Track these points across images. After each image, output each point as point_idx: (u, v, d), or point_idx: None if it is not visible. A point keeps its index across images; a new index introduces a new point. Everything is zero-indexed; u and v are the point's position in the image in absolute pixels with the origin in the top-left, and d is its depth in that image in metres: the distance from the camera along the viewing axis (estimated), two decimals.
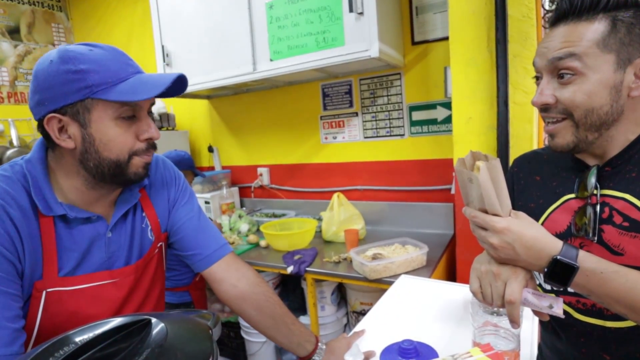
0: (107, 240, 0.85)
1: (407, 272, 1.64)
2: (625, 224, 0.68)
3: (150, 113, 0.83)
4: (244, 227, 2.32)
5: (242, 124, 2.76)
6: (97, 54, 0.74)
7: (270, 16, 2.00)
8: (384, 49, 1.84)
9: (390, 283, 1.49)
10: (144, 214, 0.92)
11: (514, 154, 1.57)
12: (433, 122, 2.11)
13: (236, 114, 2.77)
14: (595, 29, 0.66)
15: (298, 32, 1.94)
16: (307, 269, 1.82)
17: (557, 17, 0.70)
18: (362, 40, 1.79)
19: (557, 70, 0.68)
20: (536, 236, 0.64)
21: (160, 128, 2.74)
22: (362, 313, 1.95)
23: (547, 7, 1.96)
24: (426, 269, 1.68)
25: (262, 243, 2.16)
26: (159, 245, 0.96)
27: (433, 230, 2.14)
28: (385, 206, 2.30)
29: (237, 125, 2.79)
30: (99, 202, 0.84)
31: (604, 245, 0.71)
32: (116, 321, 0.51)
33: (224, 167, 2.88)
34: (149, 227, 0.93)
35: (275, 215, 2.54)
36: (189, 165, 1.97)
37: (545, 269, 0.63)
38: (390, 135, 2.24)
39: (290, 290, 2.17)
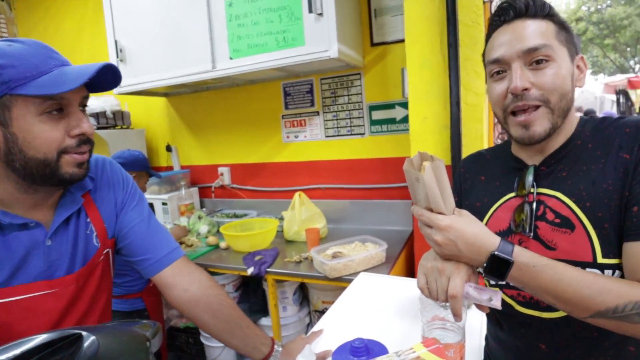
0: (47, 249, 0.80)
1: (367, 270, 1.68)
2: (557, 220, 0.73)
3: (83, 107, 0.78)
4: (203, 228, 2.28)
5: (202, 122, 2.71)
6: (15, 48, 0.70)
7: (229, 14, 1.98)
8: (344, 50, 1.86)
9: (351, 281, 1.51)
10: (88, 220, 0.88)
11: (466, 151, 1.64)
12: (392, 121, 2.17)
13: (196, 112, 2.71)
14: (550, 26, 0.73)
15: (258, 30, 1.93)
16: (268, 269, 1.81)
17: (514, 15, 0.74)
18: (321, 40, 1.80)
19: (532, 58, 0.71)
20: (476, 233, 0.68)
21: (114, 127, 2.63)
22: (324, 312, 1.97)
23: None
24: (385, 266, 1.72)
25: (222, 244, 2.13)
26: (105, 251, 0.91)
27: (393, 227, 2.20)
28: (347, 204, 2.34)
29: (197, 123, 2.73)
30: (37, 208, 0.79)
31: (539, 240, 0.75)
32: (41, 338, 0.47)
33: (183, 167, 2.81)
34: (94, 233, 0.88)
35: (236, 216, 2.52)
36: (143, 166, 1.90)
37: (485, 264, 0.67)
38: (351, 134, 2.28)
39: (252, 292, 2.15)
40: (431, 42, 1.66)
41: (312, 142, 2.39)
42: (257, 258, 1.91)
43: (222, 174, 2.67)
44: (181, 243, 2.11)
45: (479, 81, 1.59)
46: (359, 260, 1.66)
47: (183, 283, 0.93)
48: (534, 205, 0.76)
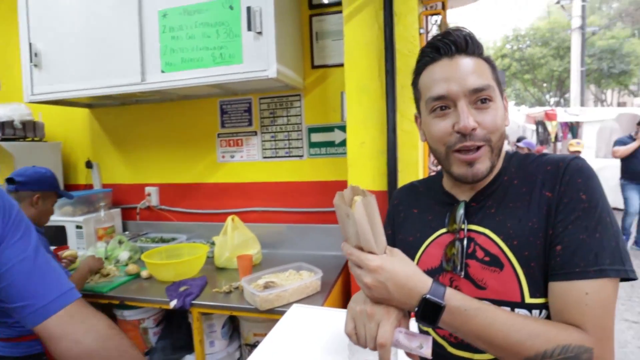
0: None
1: (301, 299, 1.60)
2: (486, 258, 0.72)
3: None
4: (123, 255, 2.06)
5: (129, 137, 2.50)
6: None
7: (163, 25, 1.85)
8: (283, 70, 1.81)
9: (283, 313, 1.43)
10: None
11: (402, 177, 1.64)
12: (331, 144, 2.14)
13: (122, 126, 2.50)
14: (487, 66, 0.74)
15: (193, 45, 1.82)
16: (194, 301, 1.66)
17: (456, 50, 0.73)
18: (260, 59, 1.74)
19: (476, 97, 0.71)
20: (408, 274, 0.64)
21: (23, 138, 2.34)
22: (256, 345, 1.84)
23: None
24: (320, 295, 1.65)
25: (144, 273, 1.93)
26: None
27: (330, 252, 2.14)
28: (283, 228, 2.25)
29: (123, 139, 2.52)
30: None
31: (469, 279, 0.74)
32: None
33: (104, 186, 2.56)
34: None
35: (163, 240, 2.32)
36: (50, 185, 1.66)
37: (416, 308, 0.63)
38: (289, 156, 2.22)
39: (176, 327, 1.97)
40: (370, 68, 1.66)
41: (249, 162, 2.29)
42: (182, 289, 1.74)
43: (149, 194, 2.46)
44: (95, 273, 1.88)
45: (414, 109, 1.60)
46: (293, 290, 1.58)
47: (75, 333, 0.76)
48: (465, 242, 0.74)
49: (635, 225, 5.02)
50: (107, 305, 1.83)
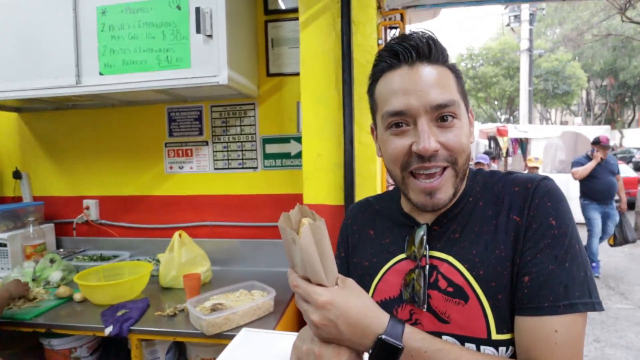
0: None
1: (252, 321, 1.49)
2: (450, 289, 0.65)
3: None
4: (55, 275, 1.85)
5: (65, 145, 2.28)
6: None
7: (102, 23, 1.70)
8: (235, 77, 1.71)
9: (232, 337, 1.30)
10: None
11: (359, 192, 1.58)
12: (287, 155, 2.05)
13: (57, 133, 2.28)
14: (451, 76, 0.66)
15: (136, 46, 1.68)
16: (133, 327, 1.50)
17: (417, 57, 0.64)
18: (210, 64, 1.63)
19: (439, 114, 0.63)
20: (362, 311, 0.56)
21: None
22: None
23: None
24: (274, 316, 1.54)
25: (77, 296, 1.73)
26: None
27: (285, 268, 1.99)
28: (236, 244, 2.12)
29: (58, 147, 2.29)
30: None
31: (432, 312, 0.66)
32: None
33: (35, 198, 2.31)
34: None
35: (103, 258, 2.12)
36: None
37: (370, 350, 0.55)
38: (243, 168, 2.10)
39: (113, 355, 1.78)
40: (326, 77, 1.60)
41: (199, 174, 2.15)
42: (120, 313, 1.57)
43: (87, 208, 2.25)
44: (20, 298, 1.66)
45: (371, 120, 1.56)
46: (243, 313, 1.46)
47: None
48: (427, 270, 0.67)
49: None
50: (31, 334, 1.62)
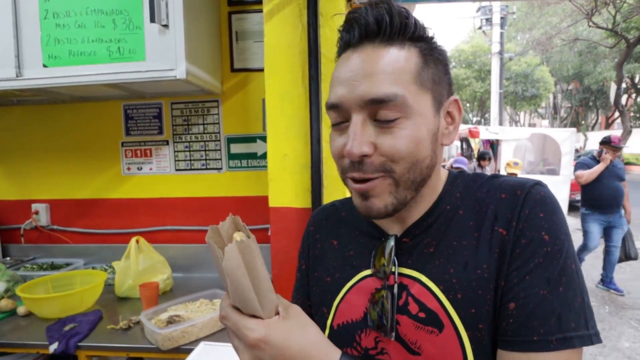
0: None
1: (213, 333, 1.39)
2: (422, 314, 0.55)
3: None
4: None
5: (10, 145, 2.10)
6: None
7: (44, 9, 1.55)
8: (195, 72, 1.60)
9: (190, 351, 1.20)
10: None
11: (327, 194, 1.50)
12: (253, 156, 1.95)
13: (1, 131, 2.09)
14: (412, 59, 0.52)
15: (84, 35, 1.54)
16: (81, 343, 1.36)
17: (361, 36, 0.53)
18: (166, 57, 1.51)
19: (376, 110, 0.51)
20: (305, 349, 0.46)
21: None
22: None
23: None
24: None
25: (21, 310, 1.58)
26: None
27: None
28: (200, 249, 2.01)
29: (3, 146, 2.11)
30: None
31: (400, 341, 0.57)
32: None
33: None
34: None
35: (54, 267, 1.96)
36: None
37: None
38: (206, 169, 1.98)
39: None
40: (292, 73, 1.51)
41: (160, 175, 2.02)
42: (67, 327, 1.43)
43: (37, 212, 2.08)
44: None
45: None
46: (202, 325, 1.35)
47: None
48: (396, 290, 0.57)
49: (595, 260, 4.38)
50: None
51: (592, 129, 23.54)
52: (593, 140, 21.24)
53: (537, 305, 0.49)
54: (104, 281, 1.68)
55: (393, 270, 0.57)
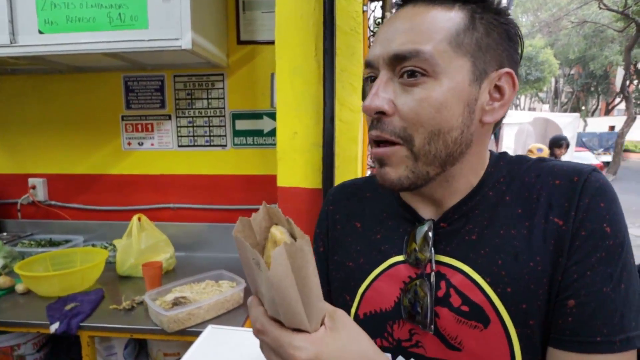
0: None
1: (219, 315, 1.35)
2: (465, 308, 0.51)
3: None
4: None
5: (5, 116, 2.01)
6: None
7: None
8: (201, 42, 1.51)
9: (197, 334, 1.17)
10: None
11: (339, 175, 1.44)
12: (259, 133, 1.88)
13: None
14: (450, 18, 0.48)
15: (82, 0, 1.44)
16: (83, 323, 1.33)
17: None
18: (171, 26, 1.42)
19: (401, 68, 0.48)
20: None
21: None
22: None
23: (372, 29, 1.95)
24: (243, 309, 1.41)
25: (19, 287, 1.53)
26: None
27: None
28: (203, 228, 1.96)
29: None
30: None
31: (439, 335, 0.52)
32: None
33: None
34: None
35: (52, 243, 1.90)
36: None
37: None
38: (210, 145, 1.91)
39: (64, 351, 1.60)
40: (305, 45, 1.42)
41: (162, 151, 1.95)
42: (68, 307, 1.39)
43: (34, 187, 2.01)
44: None
45: (355, 96, 1.41)
46: (208, 307, 1.31)
47: None
48: (433, 280, 0.52)
49: None
50: None
51: (592, 114, 23.45)
52: (592, 126, 21.21)
53: (600, 304, 0.46)
54: (105, 259, 1.63)
55: (430, 257, 0.52)
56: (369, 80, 0.53)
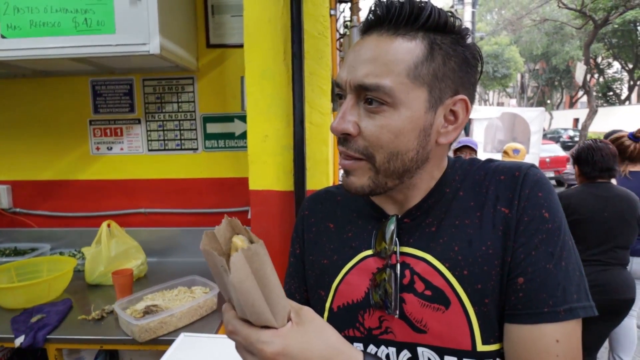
0: None
1: (193, 322, 1.35)
2: (428, 292, 0.56)
3: None
4: None
5: None
6: None
7: None
8: (169, 47, 1.50)
9: (170, 342, 1.16)
10: None
11: (310, 176, 1.47)
12: (230, 136, 1.88)
13: None
14: (410, 50, 0.52)
15: (47, 4, 1.41)
16: (50, 335, 1.30)
17: (370, 25, 0.55)
18: (138, 30, 1.41)
19: (365, 95, 0.54)
20: (327, 356, 0.43)
21: None
22: None
23: (341, 32, 1.98)
24: (217, 315, 1.41)
25: None
26: None
27: None
28: (176, 232, 1.94)
29: None
30: None
31: (405, 319, 0.57)
32: None
33: None
34: None
35: (18, 252, 1.85)
36: None
37: None
38: (181, 149, 1.90)
39: None
40: (274, 49, 1.44)
41: (131, 156, 1.92)
42: (34, 318, 1.36)
43: None
44: None
45: (324, 99, 1.44)
46: (181, 314, 1.31)
47: None
48: (398, 269, 0.57)
49: None
50: None
51: (557, 108, 24.37)
52: (558, 119, 22.05)
53: (544, 279, 0.51)
54: (74, 268, 1.60)
55: (394, 249, 0.58)
56: (338, 97, 0.58)
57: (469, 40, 0.56)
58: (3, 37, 1.43)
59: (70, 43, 1.42)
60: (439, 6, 0.55)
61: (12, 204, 1.98)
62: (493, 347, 0.53)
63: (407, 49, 0.52)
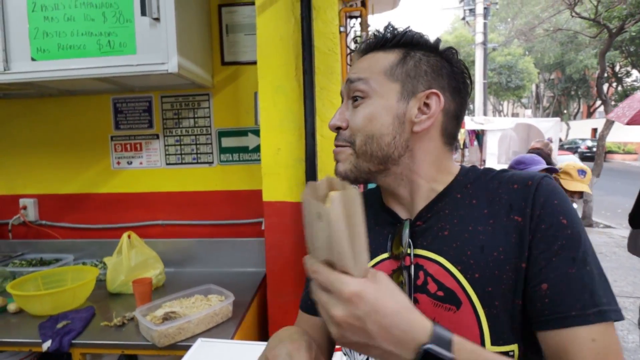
0: None
1: (209, 329, 1.39)
2: (440, 293, 0.59)
3: None
4: None
5: None
6: None
7: (32, 2, 1.51)
8: (187, 65, 1.58)
9: (187, 348, 1.21)
10: None
11: None
12: (244, 150, 1.94)
13: None
14: (387, 57, 0.66)
15: (73, 28, 1.51)
16: (75, 340, 1.36)
17: (364, 49, 0.70)
18: (158, 50, 1.49)
19: (352, 92, 0.67)
20: (398, 310, 0.44)
21: None
22: None
23: (352, 48, 2.05)
24: (233, 322, 1.45)
25: (11, 307, 1.56)
26: None
27: (244, 268, 1.94)
28: (192, 243, 2.00)
29: None
30: None
31: None
32: None
33: None
34: None
35: (43, 262, 1.93)
36: None
37: None
38: (197, 163, 1.97)
39: None
40: (286, 66, 1.51)
41: (150, 169, 2.00)
42: (60, 325, 1.42)
43: (24, 207, 2.04)
44: None
45: (334, 112, 1.49)
46: (198, 321, 1.36)
47: None
48: (412, 271, 0.61)
49: None
50: None
51: (575, 117, 23.99)
52: (575, 130, 21.69)
53: (568, 283, 0.53)
54: (96, 277, 1.67)
55: (408, 252, 0.62)
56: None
57: (452, 54, 0.68)
58: (33, 59, 1.53)
59: (94, 64, 1.51)
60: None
61: (38, 217, 2.07)
62: (502, 349, 0.56)
63: (385, 56, 0.66)
